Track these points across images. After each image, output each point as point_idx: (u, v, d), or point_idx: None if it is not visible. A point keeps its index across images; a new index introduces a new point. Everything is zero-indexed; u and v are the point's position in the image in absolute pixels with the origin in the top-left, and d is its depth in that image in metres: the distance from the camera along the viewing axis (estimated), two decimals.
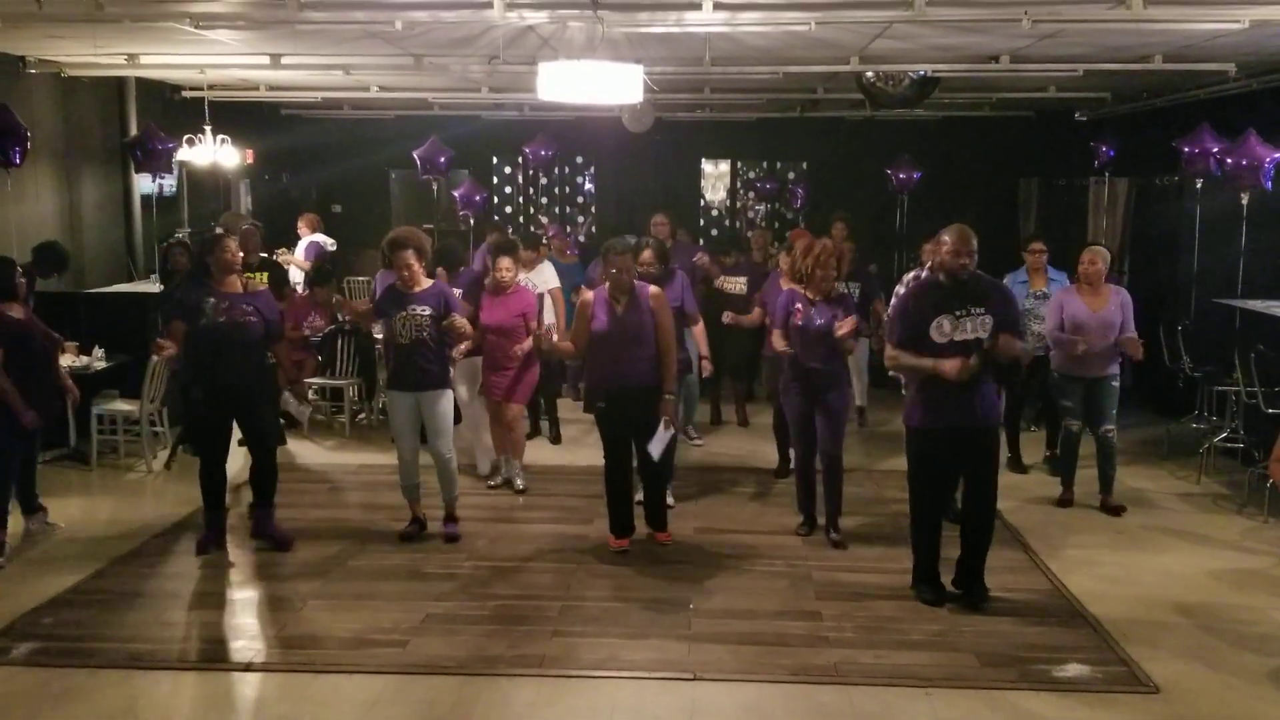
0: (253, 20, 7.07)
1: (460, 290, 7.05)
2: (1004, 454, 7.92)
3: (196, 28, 7.07)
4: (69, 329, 7.60)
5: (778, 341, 6.38)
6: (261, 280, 7.42)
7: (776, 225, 15.14)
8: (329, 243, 11.88)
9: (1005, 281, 7.06)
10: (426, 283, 6.25)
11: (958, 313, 5.18)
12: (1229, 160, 8.12)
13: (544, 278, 8.11)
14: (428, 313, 6.14)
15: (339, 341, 9.25)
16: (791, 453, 7.03)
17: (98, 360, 7.99)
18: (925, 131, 13.76)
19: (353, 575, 5.87)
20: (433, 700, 4.49)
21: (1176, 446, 8.39)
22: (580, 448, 8.51)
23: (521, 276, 7.47)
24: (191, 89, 11.07)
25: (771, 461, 7.89)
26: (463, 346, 6.76)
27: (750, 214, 16.07)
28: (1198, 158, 8.61)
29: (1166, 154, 9.16)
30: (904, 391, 5.63)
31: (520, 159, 13.93)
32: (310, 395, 9.25)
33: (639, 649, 4.96)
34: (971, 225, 5.30)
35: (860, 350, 8.59)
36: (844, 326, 6.05)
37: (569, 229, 14.90)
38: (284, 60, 8.87)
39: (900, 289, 7.05)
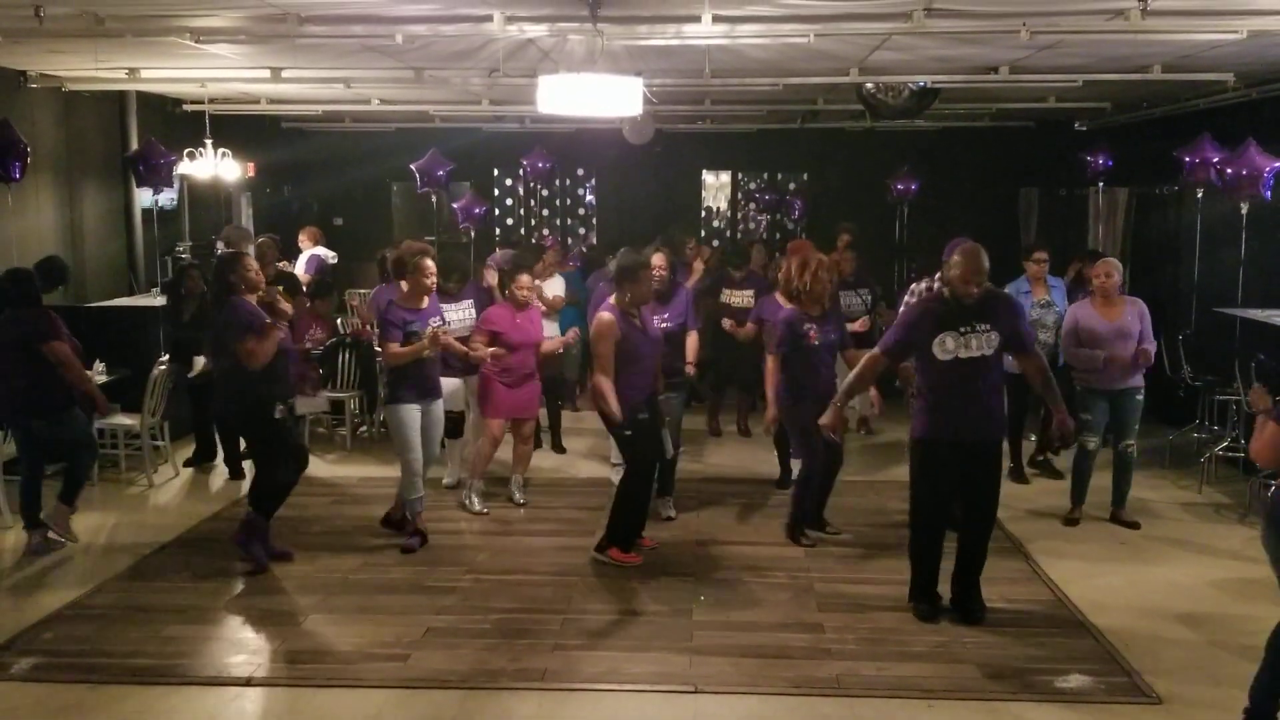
0: (253, 35, 7.09)
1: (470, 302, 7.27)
2: (1005, 463, 7.97)
3: (197, 42, 7.09)
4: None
5: (772, 375, 6.49)
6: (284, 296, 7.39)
7: (778, 236, 15.15)
8: (330, 255, 11.89)
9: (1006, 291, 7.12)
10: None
11: (962, 329, 5.16)
12: (1229, 170, 8.12)
13: (552, 290, 8.25)
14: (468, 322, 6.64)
15: (340, 354, 9.26)
16: (795, 465, 7.02)
17: (98, 374, 7.97)
18: (925, 142, 13.78)
19: (353, 589, 5.87)
20: (434, 714, 4.48)
21: (1178, 456, 8.38)
22: (581, 460, 8.51)
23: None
24: (192, 102, 11.10)
25: (773, 473, 7.88)
26: (486, 353, 6.79)
27: (751, 224, 16.08)
28: (1198, 167, 8.60)
29: (1166, 163, 9.17)
30: (912, 398, 5.62)
31: (520, 171, 13.97)
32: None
33: (641, 662, 4.95)
34: (972, 235, 5.30)
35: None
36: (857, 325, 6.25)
37: (569, 241, 14.92)
38: (285, 74, 8.89)
39: (909, 298, 7.11)
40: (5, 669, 4.89)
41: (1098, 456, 6.97)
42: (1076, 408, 7.17)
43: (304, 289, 9.10)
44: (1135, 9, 6.01)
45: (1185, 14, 6.36)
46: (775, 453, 7.84)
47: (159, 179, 9.67)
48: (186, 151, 10.17)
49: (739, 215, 16.10)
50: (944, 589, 5.51)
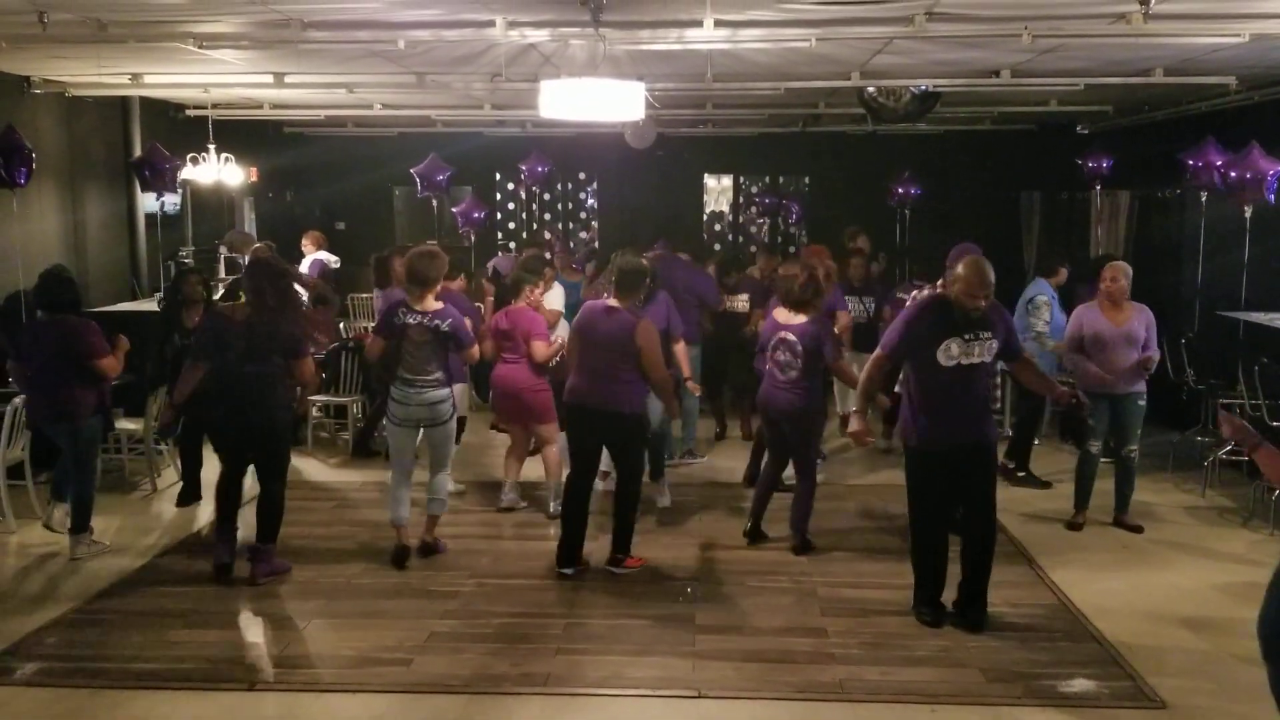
0: (256, 40, 7.11)
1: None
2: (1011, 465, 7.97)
3: (200, 48, 7.10)
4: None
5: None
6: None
7: (779, 240, 15.15)
8: (333, 260, 11.91)
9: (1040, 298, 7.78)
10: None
11: (967, 336, 5.17)
12: (1232, 173, 8.11)
13: (552, 299, 8.23)
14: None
15: (342, 359, 9.26)
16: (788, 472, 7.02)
17: None
18: (927, 145, 13.79)
19: (356, 594, 5.87)
20: (437, 719, 4.48)
21: (1181, 460, 8.37)
22: None
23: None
24: (195, 108, 11.13)
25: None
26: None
27: (753, 228, 16.09)
28: (1201, 170, 8.61)
29: (1168, 167, 9.17)
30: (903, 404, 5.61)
31: (520, 176, 13.98)
32: (314, 413, 9.28)
33: (643, 666, 4.95)
34: (973, 239, 5.31)
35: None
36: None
37: (573, 245, 14.92)
38: (287, 79, 8.91)
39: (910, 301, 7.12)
40: (9, 674, 4.89)
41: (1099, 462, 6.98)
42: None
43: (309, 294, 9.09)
44: (1137, 12, 6.00)
45: (1187, 17, 6.37)
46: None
47: (163, 184, 9.69)
48: (190, 156, 10.19)
49: (740, 219, 16.11)
50: (949, 594, 5.50)
